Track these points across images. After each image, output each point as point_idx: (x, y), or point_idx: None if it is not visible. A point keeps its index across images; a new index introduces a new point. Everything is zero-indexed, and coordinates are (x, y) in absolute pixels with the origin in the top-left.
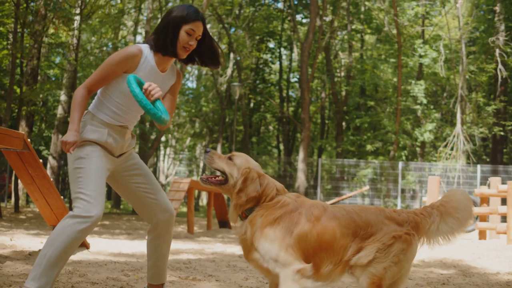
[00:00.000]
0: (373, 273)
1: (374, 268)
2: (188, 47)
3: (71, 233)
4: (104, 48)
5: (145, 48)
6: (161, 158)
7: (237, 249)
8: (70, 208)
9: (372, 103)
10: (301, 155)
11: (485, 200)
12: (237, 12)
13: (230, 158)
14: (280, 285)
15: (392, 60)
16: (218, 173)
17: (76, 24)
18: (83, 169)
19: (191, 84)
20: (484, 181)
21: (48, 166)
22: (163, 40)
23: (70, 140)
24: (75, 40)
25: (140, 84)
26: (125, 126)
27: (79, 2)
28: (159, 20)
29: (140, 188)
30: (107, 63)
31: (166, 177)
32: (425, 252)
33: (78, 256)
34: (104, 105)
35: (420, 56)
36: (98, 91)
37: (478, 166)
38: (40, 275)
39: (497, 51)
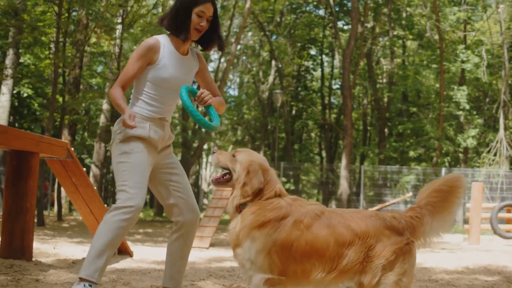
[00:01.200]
0: None
1: (385, 285)
2: (200, 28)
3: (114, 222)
4: None
5: (162, 37)
6: (203, 166)
7: None
8: None
9: (414, 109)
10: (343, 162)
11: None
12: (278, 19)
13: (234, 155)
14: None
15: (434, 65)
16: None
17: (118, 33)
18: (127, 163)
19: (233, 92)
20: None
21: (91, 174)
22: (176, 23)
23: (126, 115)
24: (117, 49)
25: (192, 92)
26: (164, 118)
27: (121, 11)
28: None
29: (173, 186)
30: (131, 58)
31: (209, 184)
32: (470, 259)
33: (122, 264)
34: (140, 100)
35: (462, 62)
36: (133, 90)
37: None
38: (89, 264)
39: None
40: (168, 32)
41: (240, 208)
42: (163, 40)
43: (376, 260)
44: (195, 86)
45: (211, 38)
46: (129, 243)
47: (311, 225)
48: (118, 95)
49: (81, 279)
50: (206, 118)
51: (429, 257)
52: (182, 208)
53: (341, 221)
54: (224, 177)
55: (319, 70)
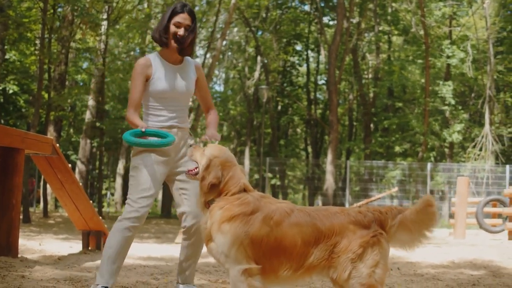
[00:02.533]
0: (360, 282)
1: (358, 278)
2: (179, 36)
3: (120, 231)
4: (132, 53)
5: (152, 55)
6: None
7: None
8: (99, 212)
9: (400, 104)
10: (329, 157)
11: None
12: (264, 15)
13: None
14: (230, 282)
15: (419, 61)
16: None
17: (103, 29)
18: (134, 178)
19: (219, 87)
20: None
21: (77, 170)
22: (159, 34)
23: (139, 128)
24: (102, 45)
25: (134, 134)
26: (173, 125)
27: (106, 7)
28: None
29: (183, 194)
30: (131, 82)
31: None
32: (455, 253)
33: None
34: (149, 114)
35: (448, 57)
36: (143, 108)
37: (507, 166)
38: (105, 272)
39: None
40: (159, 49)
41: (208, 204)
42: (153, 56)
43: (343, 255)
44: None
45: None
46: None
47: (280, 222)
48: (132, 116)
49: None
50: (157, 139)
51: (414, 252)
52: (188, 215)
53: (307, 220)
54: (195, 169)
55: (305, 65)
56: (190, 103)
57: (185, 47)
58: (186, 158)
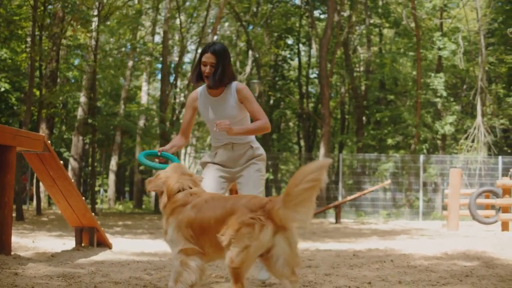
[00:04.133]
0: (230, 256)
1: (230, 251)
2: (206, 74)
3: None
4: (123, 49)
5: (201, 88)
6: (182, 157)
7: None
8: (92, 209)
9: (392, 97)
10: (322, 150)
11: (507, 191)
12: (254, 9)
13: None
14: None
15: (411, 53)
16: None
17: (94, 25)
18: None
19: None
20: (505, 172)
21: (69, 167)
22: (195, 75)
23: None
24: (93, 42)
25: (150, 153)
26: (229, 143)
27: (97, 3)
28: (177, 19)
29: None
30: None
31: None
32: (449, 244)
33: (101, 256)
34: (211, 135)
35: (439, 49)
36: None
37: (500, 157)
38: None
39: None
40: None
41: None
42: (200, 90)
43: (228, 230)
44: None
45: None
46: (108, 235)
47: (200, 208)
48: (173, 139)
49: None
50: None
51: (408, 244)
52: None
53: (219, 204)
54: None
55: (296, 59)
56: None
57: (212, 83)
58: (246, 166)
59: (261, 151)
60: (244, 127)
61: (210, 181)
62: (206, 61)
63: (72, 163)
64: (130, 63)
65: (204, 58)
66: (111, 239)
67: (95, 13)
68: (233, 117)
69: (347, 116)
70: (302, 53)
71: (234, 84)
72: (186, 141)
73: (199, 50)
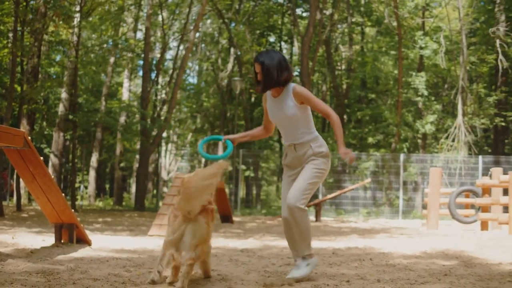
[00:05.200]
0: None
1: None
2: (259, 80)
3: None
4: (105, 45)
5: (270, 91)
6: (163, 154)
7: (239, 244)
8: (72, 205)
9: (373, 95)
10: None
11: (487, 191)
12: (237, 7)
13: None
14: None
15: (392, 52)
16: None
17: (76, 21)
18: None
19: (192, 79)
20: (485, 172)
21: (50, 164)
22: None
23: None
24: (75, 38)
25: (212, 139)
26: (291, 144)
27: None
28: (159, 16)
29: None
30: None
31: (168, 173)
32: (428, 244)
33: (80, 253)
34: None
35: (421, 48)
36: None
37: (480, 157)
38: (310, 242)
39: (498, 41)
40: None
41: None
42: (268, 94)
43: None
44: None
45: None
46: (88, 232)
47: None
48: (253, 130)
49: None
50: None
51: (387, 242)
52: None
53: None
54: None
55: None
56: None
57: (260, 89)
58: (305, 165)
59: (323, 148)
60: (340, 136)
61: (283, 182)
62: (256, 69)
63: (53, 159)
64: (112, 60)
65: (254, 66)
66: (90, 235)
67: (77, 8)
68: (292, 116)
69: None
70: (284, 51)
71: (291, 85)
72: (267, 133)
73: (181, 47)
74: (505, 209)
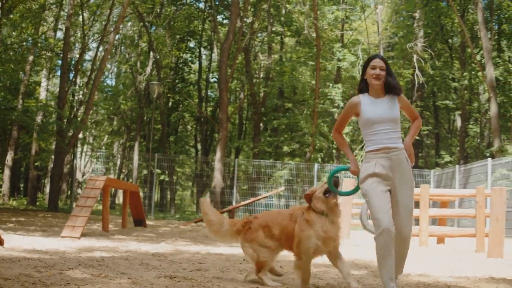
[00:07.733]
0: None
1: None
2: (376, 76)
3: (376, 246)
4: (24, 44)
5: (362, 95)
6: (78, 155)
7: (151, 247)
8: None
9: (290, 105)
10: (218, 155)
11: None
12: (158, 10)
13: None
14: None
15: (311, 63)
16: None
17: None
18: (367, 199)
19: (110, 81)
20: None
21: None
22: (363, 82)
23: (353, 170)
24: None
25: (341, 169)
26: (385, 147)
27: None
28: (80, 16)
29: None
30: (343, 111)
31: (83, 174)
32: None
33: None
34: (366, 141)
35: (339, 60)
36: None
37: None
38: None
39: (415, 56)
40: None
41: None
42: (362, 97)
43: None
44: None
45: (388, 82)
46: (0, 231)
47: None
48: (340, 140)
49: None
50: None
51: None
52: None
53: None
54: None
55: (197, 63)
56: (81, 96)
57: (389, 86)
58: (395, 182)
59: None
60: (412, 137)
61: (377, 196)
62: (376, 65)
63: None
64: (31, 58)
65: (373, 62)
66: (3, 235)
67: None
68: (397, 118)
69: (244, 122)
70: (203, 56)
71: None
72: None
73: (101, 49)
74: (416, 221)
